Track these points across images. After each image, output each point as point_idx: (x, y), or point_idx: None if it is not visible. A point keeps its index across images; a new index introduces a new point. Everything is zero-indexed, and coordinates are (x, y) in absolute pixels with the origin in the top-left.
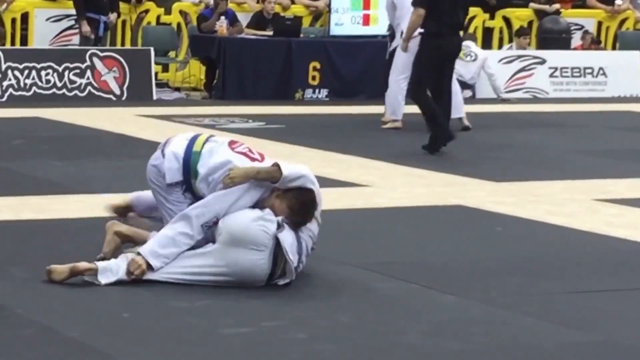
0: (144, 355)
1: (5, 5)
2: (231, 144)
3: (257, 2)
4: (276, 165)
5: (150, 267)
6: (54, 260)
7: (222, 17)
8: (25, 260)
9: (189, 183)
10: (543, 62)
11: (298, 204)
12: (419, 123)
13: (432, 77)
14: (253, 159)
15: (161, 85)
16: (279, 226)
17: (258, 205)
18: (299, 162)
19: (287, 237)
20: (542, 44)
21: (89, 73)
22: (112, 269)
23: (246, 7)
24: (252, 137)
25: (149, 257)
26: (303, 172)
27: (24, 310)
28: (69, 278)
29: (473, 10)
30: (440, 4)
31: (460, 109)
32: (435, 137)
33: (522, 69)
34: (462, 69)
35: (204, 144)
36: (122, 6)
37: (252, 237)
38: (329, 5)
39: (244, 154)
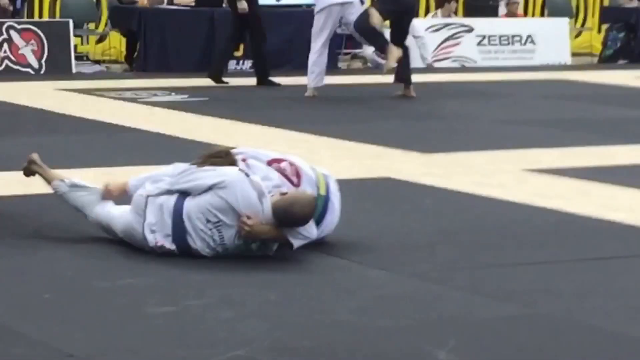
0: (65, 338)
1: None
2: (271, 162)
3: None
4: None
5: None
6: None
7: None
8: None
9: None
10: (471, 30)
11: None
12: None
13: None
14: (290, 180)
15: (80, 58)
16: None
17: None
18: (226, 137)
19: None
20: (469, 12)
21: (6, 46)
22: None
23: None
24: (175, 110)
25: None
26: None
27: None
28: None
29: None
30: None
31: None
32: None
33: (450, 37)
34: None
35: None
36: None
37: (136, 207)
38: None
39: (281, 172)
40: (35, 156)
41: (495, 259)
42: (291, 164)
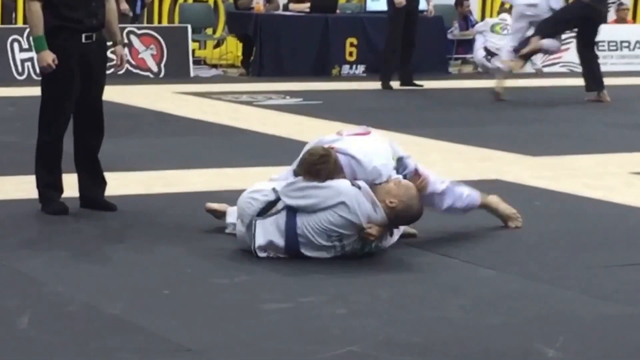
0: (185, 332)
1: None
2: (339, 133)
3: None
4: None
5: None
6: (92, 238)
7: None
8: (67, 238)
9: None
10: None
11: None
12: (450, 98)
13: None
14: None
15: (198, 62)
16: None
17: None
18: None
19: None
20: None
21: (126, 50)
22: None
23: None
24: (290, 114)
25: None
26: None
27: (65, 288)
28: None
29: None
30: None
31: None
32: None
33: None
34: (499, 42)
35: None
36: None
37: (240, 210)
38: None
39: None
40: (210, 206)
41: (603, 260)
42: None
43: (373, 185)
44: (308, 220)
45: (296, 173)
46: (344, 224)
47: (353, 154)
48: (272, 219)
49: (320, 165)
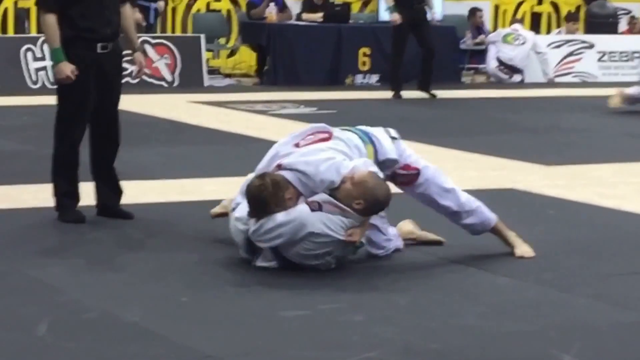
0: (203, 339)
1: None
2: (297, 146)
3: None
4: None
5: None
6: (109, 246)
7: (272, 4)
8: (84, 247)
9: None
10: (591, 46)
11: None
12: (463, 107)
13: None
14: (322, 140)
15: (212, 71)
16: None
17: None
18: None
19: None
20: (590, 29)
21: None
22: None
23: None
24: (304, 123)
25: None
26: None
27: (83, 296)
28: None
29: None
30: None
31: None
32: None
33: (571, 54)
34: (511, 52)
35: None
36: None
37: (233, 235)
38: None
39: (310, 143)
40: (215, 212)
41: (618, 268)
42: (311, 134)
43: (332, 191)
44: (289, 249)
45: (251, 215)
46: (322, 246)
47: (299, 168)
48: (261, 255)
49: (261, 194)
